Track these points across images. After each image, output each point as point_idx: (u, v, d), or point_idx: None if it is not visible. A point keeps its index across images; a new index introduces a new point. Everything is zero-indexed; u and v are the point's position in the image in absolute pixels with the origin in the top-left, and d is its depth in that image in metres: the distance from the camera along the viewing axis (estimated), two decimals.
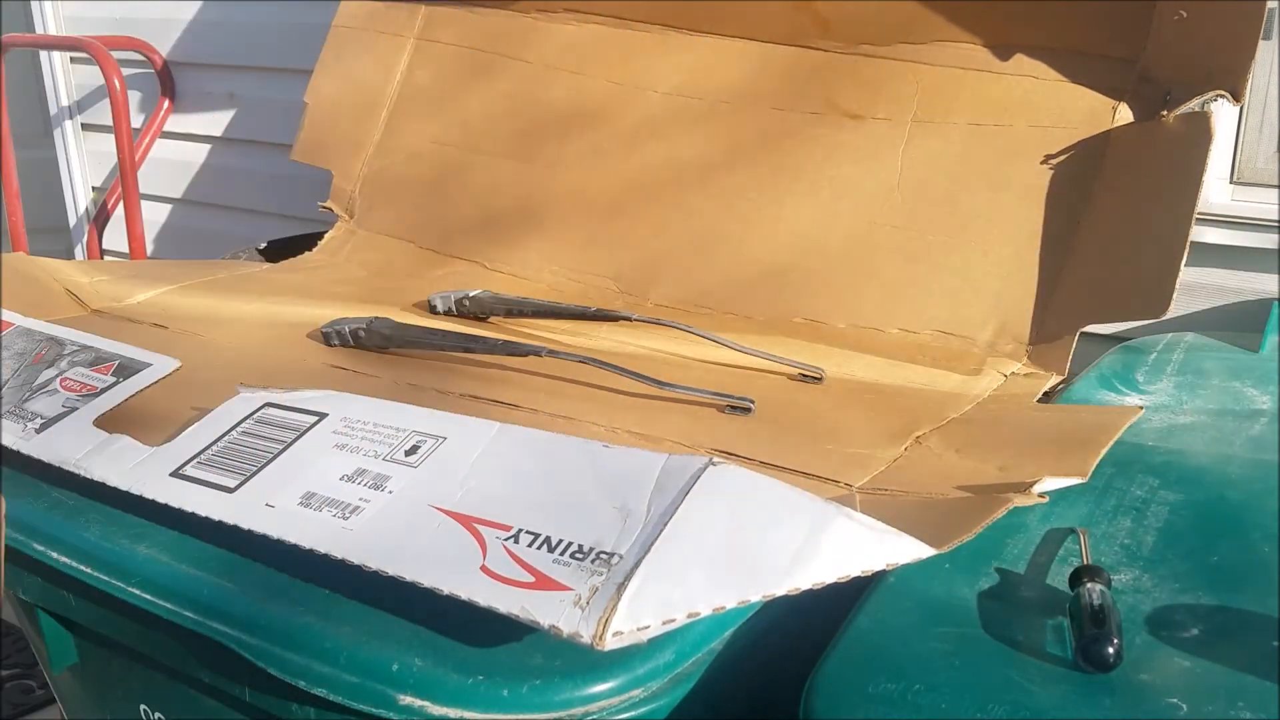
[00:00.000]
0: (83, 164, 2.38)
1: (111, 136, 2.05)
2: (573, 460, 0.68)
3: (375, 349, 1.06)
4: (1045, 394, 0.97)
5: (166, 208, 2.25)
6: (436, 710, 0.60)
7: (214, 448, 0.78)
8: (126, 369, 0.94)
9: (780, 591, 0.58)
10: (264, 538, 0.69)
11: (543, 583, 0.59)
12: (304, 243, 1.49)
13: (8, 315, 1.03)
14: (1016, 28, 1.11)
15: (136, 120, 2.17)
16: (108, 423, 0.85)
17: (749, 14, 1.26)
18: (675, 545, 0.59)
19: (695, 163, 1.24)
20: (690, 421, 0.89)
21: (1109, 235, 1.01)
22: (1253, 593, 0.64)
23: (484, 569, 0.60)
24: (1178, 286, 0.93)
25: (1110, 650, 0.56)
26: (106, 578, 0.74)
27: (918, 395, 0.97)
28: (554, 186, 1.32)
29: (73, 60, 2.30)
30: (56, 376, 0.92)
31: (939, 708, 0.55)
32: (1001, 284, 1.05)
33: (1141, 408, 0.89)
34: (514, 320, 1.15)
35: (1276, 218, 1.19)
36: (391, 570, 0.63)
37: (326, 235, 1.48)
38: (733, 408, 0.91)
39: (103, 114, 2.19)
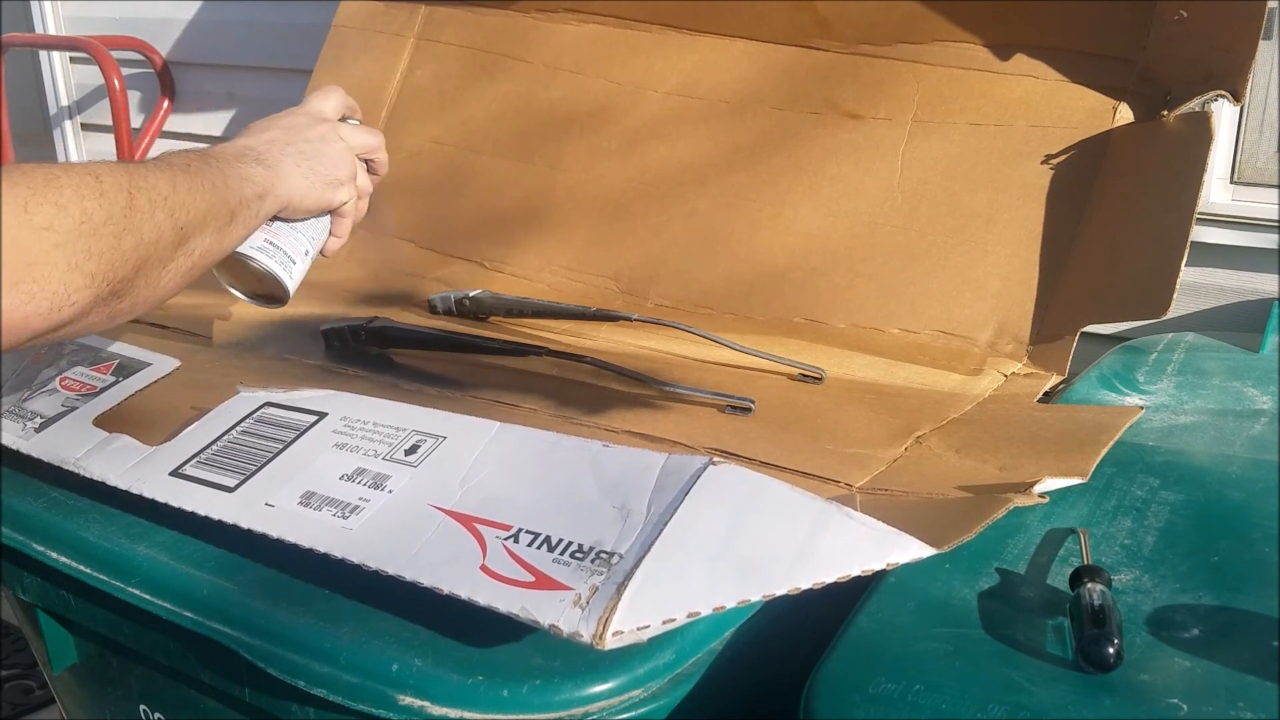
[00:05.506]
0: None
1: (111, 136, 2.05)
2: (573, 460, 0.68)
3: (375, 349, 1.05)
4: (1045, 394, 0.97)
5: None
6: (436, 710, 0.60)
7: (213, 447, 0.78)
8: (126, 368, 0.94)
9: (780, 591, 0.58)
10: (264, 537, 0.69)
11: (543, 582, 0.59)
12: None
13: None
14: (1016, 28, 1.11)
15: (136, 120, 2.17)
16: (107, 422, 0.85)
17: (749, 14, 1.26)
18: (675, 545, 0.59)
19: (695, 163, 1.24)
20: (690, 421, 0.89)
21: (1109, 235, 1.01)
22: (1253, 593, 0.64)
23: (484, 568, 0.60)
24: (1178, 286, 0.93)
25: (1111, 650, 0.56)
26: (106, 577, 0.74)
27: (918, 395, 0.97)
28: (554, 186, 1.32)
29: (72, 60, 2.30)
30: (56, 376, 0.92)
31: (939, 708, 0.55)
32: (1001, 284, 1.05)
33: (1142, 407, 0.89)
34: (514, 320, 1.14)
35: (1276, 218, 1.19)
36: (391, 570, 0.63)
37: None
38: (733, 408, 0.91)
39: (103, 114, 2.19)
